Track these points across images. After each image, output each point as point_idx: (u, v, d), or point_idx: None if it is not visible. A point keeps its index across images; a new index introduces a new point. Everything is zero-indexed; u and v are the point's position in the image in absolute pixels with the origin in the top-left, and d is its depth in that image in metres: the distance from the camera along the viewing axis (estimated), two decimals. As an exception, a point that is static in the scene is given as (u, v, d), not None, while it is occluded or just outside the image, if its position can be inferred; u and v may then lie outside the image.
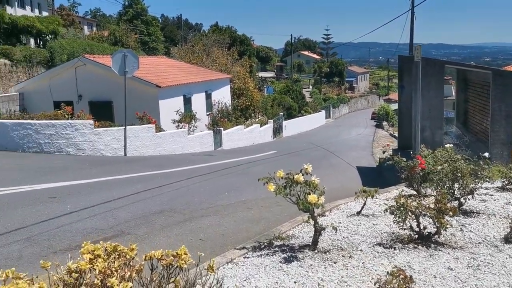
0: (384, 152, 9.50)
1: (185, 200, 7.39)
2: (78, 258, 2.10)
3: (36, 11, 44.15)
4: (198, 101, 23.06)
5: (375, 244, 4.43)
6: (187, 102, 21.43)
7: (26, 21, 35.11)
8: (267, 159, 15.84)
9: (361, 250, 4.29)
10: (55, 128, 12.82)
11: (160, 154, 15.04)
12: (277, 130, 31.48)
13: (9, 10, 36.13)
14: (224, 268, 3.87)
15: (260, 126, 27.63)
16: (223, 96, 26.85)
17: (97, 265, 1.95)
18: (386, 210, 4.55)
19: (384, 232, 4.84)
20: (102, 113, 16.78)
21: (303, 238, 4.78)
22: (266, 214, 6.57)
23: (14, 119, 14.05)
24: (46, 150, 12.70)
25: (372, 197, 5.62)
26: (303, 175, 4.28)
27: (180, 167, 11.56)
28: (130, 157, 13.53)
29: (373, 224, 5.19)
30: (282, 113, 34.63)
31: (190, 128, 18.97)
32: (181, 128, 18.09)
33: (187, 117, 19.19)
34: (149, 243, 4.98)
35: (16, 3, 38.73)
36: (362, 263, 3.91)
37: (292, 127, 34.96)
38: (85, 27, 57.32)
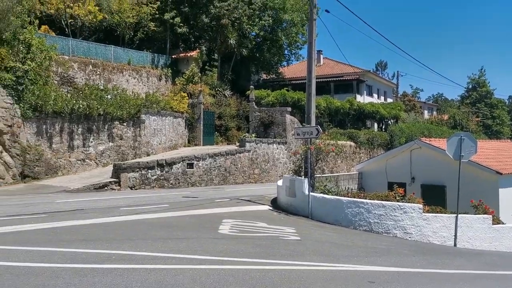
0: None
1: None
2: None
3: (382, 98, 47.97)
4: (551, 192, 19.52)
5: None
6: (537, 192, 18.44)
7: (372, 107, 38.65)
8: None
9: None
10: (385, 209, 13.03)
11: (496, 250, 13.17)
12: None
13: (358, 98, 40.54)
14: None
15: None
16: None
17: None
18: None
19: None
20: (434, 197, 16.24)
21: None
22: None
23: (350, 196, 15.06)
24: (374, 230, 12.98)
25: None
26: None
27: (521, 271, 9.72)
28: (460, 249, 12.34)
29: None
30: None
31: (539, 223, 16.07)
32: (526, 222, 15.53)
33: (535, 210, 16.40)
34: None
35: (365, 92, 43.13)
36: None
37: None
38: (425, 111, 58.48)
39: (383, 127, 42.34)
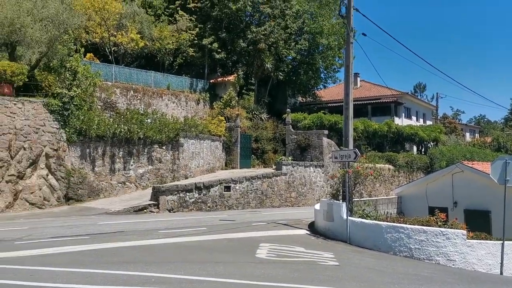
0: None
1: None
2: None
3: (421, 120, 47.17)
4: None
5: None
6: None
7: (410, 130, 37.98)
8: None
9: None
10: (426, 235, 12.68)
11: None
12: None
13: (397, 120, 39.98)
14: None
15: None
16: None
17: None
18: None
19: None
20: (478, 223, 15.70)
21: None
22: None
23: (389, 221, 14.74)
24: (415, 256, 12.63)
25: None
26: None
27: None
28: (506, 277, 11.83)
29: None
30: None
31: None
32: None
33: None
34: None
35: (403, 114, 42.54)
36: None
37: None
38: (467, 134, 56.98)
39: (423, 150, 41.44)
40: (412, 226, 13.10)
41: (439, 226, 13.25)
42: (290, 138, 30.50)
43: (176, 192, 20.58)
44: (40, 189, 19.29)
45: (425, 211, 17.75)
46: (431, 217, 14.22)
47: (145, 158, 23.69)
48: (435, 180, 19.85)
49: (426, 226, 13.17)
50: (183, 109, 31.85)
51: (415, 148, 41.63)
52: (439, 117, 53.65)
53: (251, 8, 35.07)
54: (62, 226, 14.29)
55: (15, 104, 18.95)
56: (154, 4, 34.70)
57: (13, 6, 19.99)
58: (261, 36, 33.64)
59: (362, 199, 19.76)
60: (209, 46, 33.51)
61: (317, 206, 16.42)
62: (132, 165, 23.08)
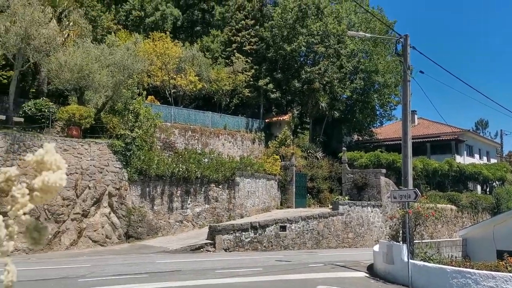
0: None
1: None
2: None
3: (484, 158, 45.21)
4: None
5: None
6: None
7: (473, 168, 36.37)
8: None
9: None
10: (495, 281, 11.91)
11: None
12: None
13: (458, 158, 38.48)
14: None
15: None
16: None
17: None
18: None
19: None
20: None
21: None
22: None
23: (454, 265, 14.01)
24: (484, 304, 11.85)
25: None
26: None
27: None
28: None
29: None
30: None
31: None
32: None
33: None
34: None
35: (465, 152, 40.94)
36: None
37: None
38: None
39: (487, 189, 39.41)
40: (480, 271, 12.36)
41: (509, 272, 12.44)
42: (347, 177, 30.05)
43: (232, 232, 20.65)
44: (103, 227, 19.99)
45: (492, 255, 16.72)
46: (500, 262, 13.40)
47: (202, 197, 24.08)
48: (503, 222, 18.74)
49: (495, 271, 12.40)
50: (239, 148, 32.35)
51: (479, 187, 39.68)
52: (504, 155, 51.08)
53: (305, 49, 35.62)
54: (122, 263, 14.67)
55: (82, 145, 20.03)
56: (211, 47, 36.10)
57: (82, 53, 21.48)
58: (316, 75, 33.94)
59: (423, 241, 18.95)
60: (265, 86, 34.19)
61: (376, 248, 15.90)
62: (189, 204, 23.50)
